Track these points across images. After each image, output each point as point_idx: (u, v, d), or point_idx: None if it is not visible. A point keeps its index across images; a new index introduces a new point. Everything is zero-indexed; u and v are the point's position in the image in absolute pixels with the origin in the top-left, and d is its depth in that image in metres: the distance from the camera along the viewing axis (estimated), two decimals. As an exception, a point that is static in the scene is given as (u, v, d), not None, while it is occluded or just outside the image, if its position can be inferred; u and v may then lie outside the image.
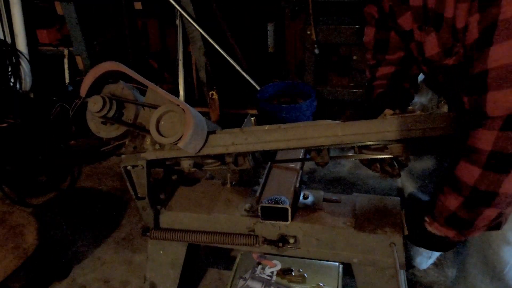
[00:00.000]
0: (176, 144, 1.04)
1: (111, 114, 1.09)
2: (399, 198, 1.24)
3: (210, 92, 2.87)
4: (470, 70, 0.83)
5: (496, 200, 0.86)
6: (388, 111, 1.04)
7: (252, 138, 1.07)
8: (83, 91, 1.10)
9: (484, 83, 0.79)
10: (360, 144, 1.05)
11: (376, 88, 1.28)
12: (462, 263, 1.32)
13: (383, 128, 0.99)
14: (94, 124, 1.14)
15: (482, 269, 1.23)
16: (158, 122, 1.06)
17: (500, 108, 0.78)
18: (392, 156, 1.05)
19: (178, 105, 1.06)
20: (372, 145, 1.06)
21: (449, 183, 0.93)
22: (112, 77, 1.12)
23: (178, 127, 1.04)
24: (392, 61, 1.26)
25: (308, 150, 1.18)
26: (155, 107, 1.08)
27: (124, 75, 1.11)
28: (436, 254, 1.58)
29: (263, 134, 1.07)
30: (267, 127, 1.08)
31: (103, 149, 1.19)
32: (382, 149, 1.06)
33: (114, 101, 1.09)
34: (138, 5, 3.07)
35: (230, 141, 1.09)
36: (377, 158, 1.09)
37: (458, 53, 0.91)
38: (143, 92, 1.15)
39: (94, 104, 1.07)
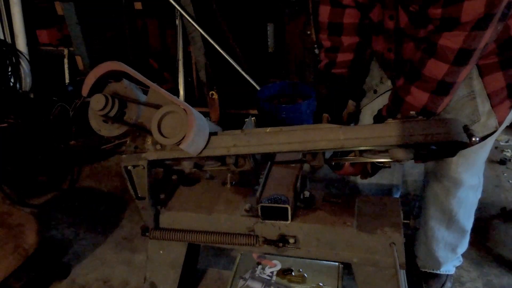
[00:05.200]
0: (178, 145, 1.04)
1: (113, 113, 1.08)
2: (399, 198, 1.24)
3: (210, 92, 2.87)
4: None
5: (453, 88, 1.09)
6: (389, 120, 1.05)
7: (253, 140, 1.07)
8: (85, 90, 1.10)
9: None
10: (361, 148, 1.06)
11: (335, 76, 1.38)
12: (423, 219, 1.54)
13: (385, 133, 0.99)
14: (96, 122, 1.14)
15: (438, 218, 1.47)
16: (160, 122, 1.06)
17: (472, 14, 0.96)
18: (392, 160, 1.06)
19: (180, 106, 1.06)
20: (373, 149, 1.06)
21: (416, 82, 1.10)
22: (114, 77, 1.12)
23: (180, 128, 1.04)
24: (349, 46, 1.34)
25: (303, 153, 1.19)
26: (157, 107, 1.08)
27: (126, 75, 1.11)
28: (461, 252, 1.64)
29: (264, 136, 1.07)
30: (268, 129, 1.08)
31: (104, 147, 1.19)
32: (382, 153, 1.07)
33: (116, 100, 1.09)
34: (138, 5, 3.07)
35: (231, 143, 1.09)
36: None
37: None
38: (145, 93, 1.15)
39: (97, 102, 1.06)
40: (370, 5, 1.22)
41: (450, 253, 1.58)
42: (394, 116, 1.14)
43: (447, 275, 1.67)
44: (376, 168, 1.25)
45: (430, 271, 1.66)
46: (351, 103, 1.10)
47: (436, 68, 1.07)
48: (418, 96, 1.11)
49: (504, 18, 1.02)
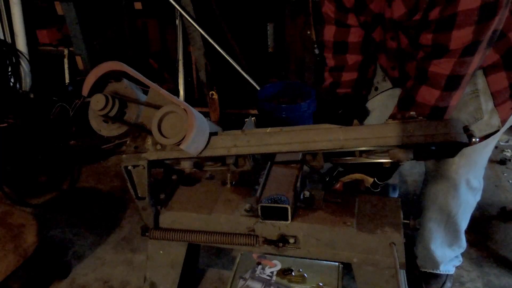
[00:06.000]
0: (178, 145, 1.04)
1: (113, 112, 1.08)
2: (399, 198, 1.24)
3: (210, 92, 2.87)
4: (438, 13, 1.02)
5: (447, 113, 1.13)
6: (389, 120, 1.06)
7: (253, 140, 1.07)
8: (85, 90, 1.10)
9: (452, 23, 0.99)
10: (361, 148, 1.06)
11: (340, 96, 1.42)
12: (422, 219, 1.53)
13: (385, 134, 0.99)
14: (96, 122, 1.14)
15: (437, 219, 1.47)
16: (160, 122, 1.07)
17: (460, 42, 1.01)
18: (391, 161, 1.06)
19: (180, 106, 1.06)
20: (373, 149, 1.06)
21: (412, 108, 1.13)
22: (114, 77, 1.12)
23: (180, 128, 1.04)
24: (353, 65, 1.38)
25: (303, 154, 1.19)
26: (157, 107, 1.08)
27: (126, 75, 1.11)
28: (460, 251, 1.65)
29: (265, 136, 1.07)
30: (268, 129, 1.08)
31: (104, 147, 1.19)
32: (382, 153, 1.07)
33: (116, 100, 1.09)
34: (138, 5, 3.07)
35: (231, 143, 1.09)
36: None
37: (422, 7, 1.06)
38: (145, 93, 1.15)
39: (97, 102, 1.07)
40: (372, 26, 1.26)
41: (447, 252, 1.58)
42: None
43: (447, 275, 1.67)
44: (376, 185, 1.27)
45: (430, 271, 1.66)
46: (356, 123, 1.12)
47: (428, 94, 1.11)
48: None
49: (490, 43, 1.05)
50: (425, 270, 1.67)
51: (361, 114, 1.48)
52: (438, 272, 1.65)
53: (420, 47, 1.12)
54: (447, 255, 1.59)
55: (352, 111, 1.43)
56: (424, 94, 1.12)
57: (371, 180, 1.24)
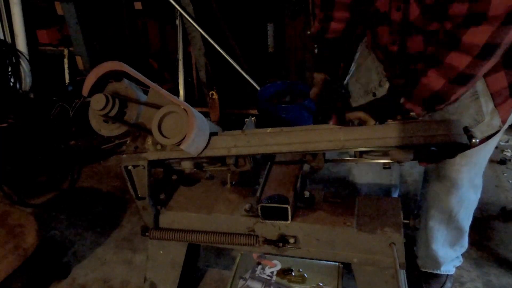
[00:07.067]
0: (179, 145, 1.04)
1: (113, 112, 1.08)
2: (399, 198, 1.24)
3: (210, 92, 2.87)
4: None
5: (471, 81, 1.08)
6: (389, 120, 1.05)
7: (254, 141, 1.07)
8: (85, 90, 1.10)
9: None
10: (362, 149, 1.06)
11: (328, 40, 1.42)
12: (423, 219, 1.54)
13: (385, 134, 0.99)
14: (96, 122, 1.14)
15: (438, 218, 1.48)
16: (160, 122, 1.07)
17: (501, 8, 0.95)
18: (392, 161, 1.06)
19: (181, 106, 1.06)
20: (373, 150, 1.06)
21: (436, 68, 1.10)
22: (114, 76, 1.12)
23: (180, 128, 1.04)
24: (340, 19, 1.38)
25: (303, 154, 1.19)
26: (157, 107, 1.08)
27: (126, 75, 1.11)
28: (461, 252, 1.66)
29: (265, 137, 1.07)
30: (269, 130, 1.08)
31: (104, 147, 1.19)
32: (383, 154, 1.07)
33: (117, 100, 1.09)
34: (138, 5, 3.07)
35: (232, 144, 1.09)
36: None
37: None
38: (145, 93, 1.15)
39: (97, 102, 1.06)
40: None
41: (449, 252, 1.58)
42: (407, 96, 1.16)
43: (447, 275, 1.67)
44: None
45: (430, 271, 1.66)
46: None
47: (458, 60, 1.06)
48: (434, 81, 1.11)
49: None
50: (425, 270, 1.67)
51: (349, 55, 1.50)
52: (438, 272, 1.65)
53: (443, 16, 1.07)
54: (449, 255, 1.59)
55: (339, 52, 1.44)
56: (454, 59, 1.07)
57: (372, 122, 1.22)
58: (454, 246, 1.57)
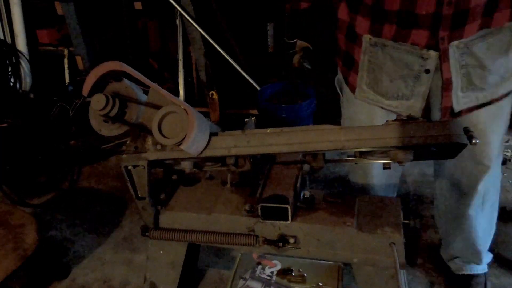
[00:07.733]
0: (179, 145, 1.04)
1: (113, 112, 1.08)
2: (399, 198, 1.24)
3: (210, 92, 2.87)
4: None
5: None
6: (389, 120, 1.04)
7: (254, 141, 1.07)
8: (86, 90, 1.10)
9: None
10: (362, 149, 1.06)
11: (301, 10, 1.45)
12: (456, 212, 1.52)
13: (385, 135, 0.99)
14: (96, 122, 1.14)
15: (475, 204, 1.45)
16: (160, 122, 1.07)
17: None
18: (392, 162, 1.06)
19: (181, 107, 1.06)
20: (373, 150, 1.07)
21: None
22: (114, 76, 1.12)
23: (180, 128, 1.04)
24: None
25: (304, 154, 1.19)
26: (157, 107, 1.09)
27: (126, 75, 1.11)
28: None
29: (265, 137, 1.07)
30: (269, 130, 1.08)
31: (104, 147, 1.19)
32: (383, 154, 1.07)
33: (117, 100, 1.09)
34: (138, 5, 3.07)
35: (232, 144, 1.09)
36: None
37: None
38: (145, 93, 1.15)
39: (97, 102, 1.07)
40: None
41: (487, 238, 1.59)
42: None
43: (485, 273, 1.64)
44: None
45: (468, 272, 1.63)
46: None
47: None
48: None
49: None
50: (462, 272, 1.64)
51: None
52: (477, 268, 1.62)
53: None
54: (487, 241, 1.59)
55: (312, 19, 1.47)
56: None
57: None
58: (490, 231, 1.58)
